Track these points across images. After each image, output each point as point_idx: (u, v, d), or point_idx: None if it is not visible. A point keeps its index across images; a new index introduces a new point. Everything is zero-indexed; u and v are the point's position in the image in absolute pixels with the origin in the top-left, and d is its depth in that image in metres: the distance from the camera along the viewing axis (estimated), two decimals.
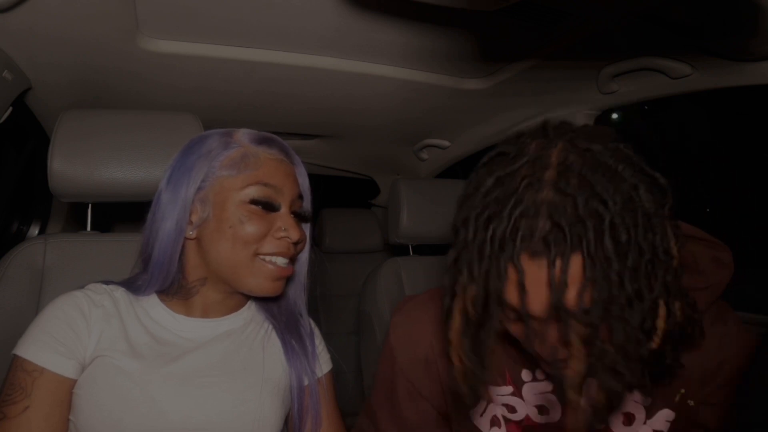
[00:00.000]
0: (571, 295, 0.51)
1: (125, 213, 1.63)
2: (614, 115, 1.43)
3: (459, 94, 1.38)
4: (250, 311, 0.84)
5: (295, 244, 0.78)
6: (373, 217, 2.52)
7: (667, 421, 0.68)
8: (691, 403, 0.68)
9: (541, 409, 0.71)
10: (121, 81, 1.25)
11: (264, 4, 0.95)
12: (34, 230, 1.73)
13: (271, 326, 0.84)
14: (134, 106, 1.39)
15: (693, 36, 0.94)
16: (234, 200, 0.74)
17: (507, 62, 1.22)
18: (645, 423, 0.68)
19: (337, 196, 2.64)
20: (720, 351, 0.68)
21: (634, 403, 0.68)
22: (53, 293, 0.87)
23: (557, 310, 0.52)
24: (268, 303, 0.86)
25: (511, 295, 0.54)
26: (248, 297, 0.84)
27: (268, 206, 0.75)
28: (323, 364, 0.86)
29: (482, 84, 1.33)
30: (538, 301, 0.53)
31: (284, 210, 0.77)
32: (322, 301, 2.31)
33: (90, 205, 1.08)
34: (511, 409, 0.73)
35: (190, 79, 1.25)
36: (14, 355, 0.69)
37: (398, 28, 1.04)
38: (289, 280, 0.83)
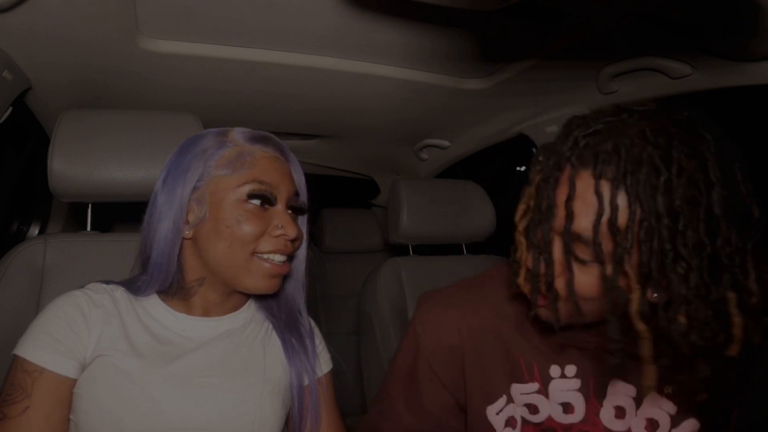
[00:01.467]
0: (618, 219, 0.54)
1: (125, 213, 1.63)
2: None
3: (459, 94, 1.38)
4: (249, 310, 0.84)
5: (293, 241, 0.78)
6: (373, 217, 2.52)
7: (693, 431, 0.67)
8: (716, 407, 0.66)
9: (566, 408, 0.70)
10: (121, 81, 1.25)
11: (264, 4, 0.95)
12: (34, 230, 1.73)
13: (271, 326, 0.84)
14: (134, 106, 1.39)
15: (693, 36, 0.94)
16: (230, 199, 0.74)
17: (507, 62, 1.22)
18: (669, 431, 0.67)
19: (337, 196, 2.64)
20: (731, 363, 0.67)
21: (659, 410, 0.67)
22: (53, 293, 0.86)
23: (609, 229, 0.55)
24: (268, 301, 0.86)
25: (560, 201, 0.59)
26: (248, 296, 0.84)
27: (266, 200, 0.75)
28: (323, 363, 0.86)
29: (482, 84, 1.33)
30: (585, 213, 0.56)
31: (281, 207, 0.77)
32: (322, 301, 2.30)
33: (90, 205, 1.08)
34: (534, 410, 0.72)
35: (190, 79, 1.25)
36: (14, 355, 0.69)
37: (398, 28, 1.04)
38: (287, 277, 0.83)
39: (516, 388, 0.73)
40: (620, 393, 0.68)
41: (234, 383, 0.74)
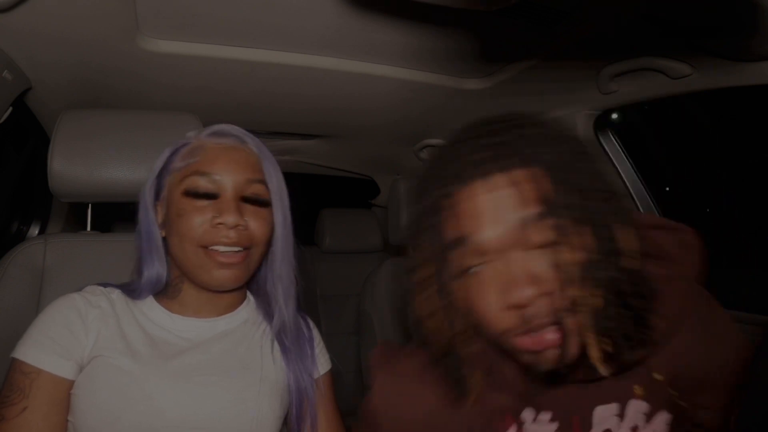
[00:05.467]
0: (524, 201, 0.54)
1: (125, 213, 1.63)
2: (614, 115, 1.44)
3: (459, 94, 1.38)
4: (246, 311, 0.84)
5: (235, 228, 0.72)
6: (373, 217, 2.52)
7: (667, 424, 0.67)
8: (684, 404, 0.67)
9: None
10: (121, 81, 1.25)
11: (264, 4, 0.95)
12: (34, 230, 1.73)
13: (268, 326, 0.84)
14: (134, 106, 1.39)
15: (693, 36, 0.94)
16: (176, 194, 0.75)
17: (507, 62, 1.22)
18: (644, 429, 0.67)
19: (337, 196, 2.64)
20: (714, 359, 0.66)
21: (638, 413, 0.66)
22: (53, 293, 0.87)
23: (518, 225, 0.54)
24: (263, 300, 0.85)
25: (465, 226, 0.56)
26: (242, 296, 0.84)
27: (202, 195, 0.73)
28: (322, 364, 0.87)
29: (482, 84, 1.33)
30: (492, 222, 0.55)
31: (226, 195, 0.73)
32: (322, 301, 2.30)
33: (90, 205, 1.08)
34: None
35: (190, 79, 1.25)
36: (12, 358, 0.69)
37: (398, 28, 1.04)
38: (268, 270, 0.82)
39: None
40: (606, 416, 0.65)
41: (232, 382, 0.74)
